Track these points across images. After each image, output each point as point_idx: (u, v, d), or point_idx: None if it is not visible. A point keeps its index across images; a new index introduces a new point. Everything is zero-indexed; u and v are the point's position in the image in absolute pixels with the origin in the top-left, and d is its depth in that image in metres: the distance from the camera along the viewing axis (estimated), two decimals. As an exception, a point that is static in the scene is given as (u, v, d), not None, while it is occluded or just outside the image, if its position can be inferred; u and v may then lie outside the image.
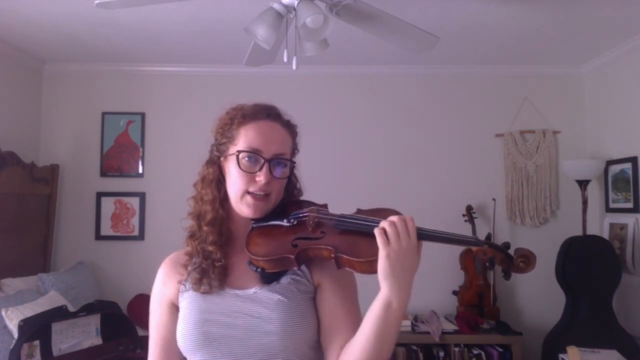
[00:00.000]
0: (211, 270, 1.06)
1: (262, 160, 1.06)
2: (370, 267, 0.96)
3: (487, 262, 0.95)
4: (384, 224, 0.94)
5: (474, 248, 0.95)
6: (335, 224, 1.05)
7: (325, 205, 1.13)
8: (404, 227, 0.93)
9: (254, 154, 1.06)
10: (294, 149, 1.16)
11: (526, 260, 0.94)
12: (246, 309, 1.03)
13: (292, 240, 1.04)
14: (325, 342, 1.07)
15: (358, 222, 1.03)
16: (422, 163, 3.95)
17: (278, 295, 1.04)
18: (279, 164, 1.09)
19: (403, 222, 0.93)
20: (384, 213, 1.05)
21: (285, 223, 1.08)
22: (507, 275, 0.96)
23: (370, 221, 1.01)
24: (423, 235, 0.97)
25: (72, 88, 3.98)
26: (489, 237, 1.02)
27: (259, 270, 1.04)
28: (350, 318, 1.06)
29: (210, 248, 1.08)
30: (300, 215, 1.09)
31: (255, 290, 1.05)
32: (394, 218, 0.94)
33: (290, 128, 1.14)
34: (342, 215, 1.05)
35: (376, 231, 0.93)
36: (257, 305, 1.03)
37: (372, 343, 0.94)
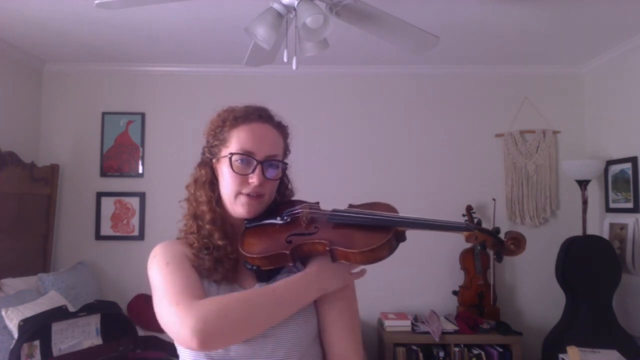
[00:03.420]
0: (225, 261, 1.06)
1: (255, 162, 1.07)
2: (365, 258, 0.98)
3: (479, 246, 0.97)
4: None
5: (465, 233, 0.96)
6: (328, 218, 1.06)
7: (317, 203, 1.14)
8: None
9: (246, 156, 1.07)
10: (286, 150, 1.16)
11: (516, 242, 0.95)
12: None
13: (286, 237, 1.05)
14: (322, 337, 1.08)
15: (351, 215, 1.04)
16: (422, 163, 3.95)
17: None
18: (271, 165, 1.09)
19: None
20: (376, 207, 1.07)
21: (278, 221, 1.10)
22: (499, 258, 0.98)
23: (362, 214, 1.04)
24: (410, 224, 0.99)
25: (72, 88, 3.98)
26: (479, 222, 1.03)
27: (254, 268, 1.04)
28: (346, 322, 1.07)
29: (219, 242, 1.07)
30: (294, 212, 1.10)
31: (259, 287, 1.05)
32: None
33: (281, 129, 1.15)
34: (335, 210, 1.07)
35: None
36: None
37: None
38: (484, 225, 3.65)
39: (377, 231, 1.00)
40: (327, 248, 1.00)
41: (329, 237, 1.01)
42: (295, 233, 1.06)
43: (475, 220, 3.68)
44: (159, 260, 1.06)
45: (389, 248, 0.98)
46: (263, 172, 1.07)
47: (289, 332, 1.01)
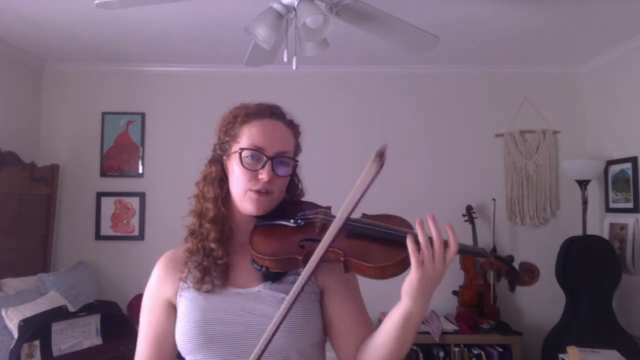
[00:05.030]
0: (213, 268, 1.05)
1: (265, 158, 1.06)
2: (381, 273, 0.96)
3: (495, 274, 0.98)
4: (422, 242, 0.92)
5: (481, 259, 0.97)
6: (345, 227, 1.03)
7: (329, 208, 1.12)
8: (441, 252, 0.91)
9: (256, 151, 1.06)
10: (297, 149, 1.16)
11: (530, 274, 0.97)
12: (250, 308, 1.03)
13: (299, 242, 1.03)
14: (338, 342, 1.08)
15: (368, 226, 1.02)
16: (422, 163, 3.95)
17: (282, 294, 1.03)
18: (282, 162, 1.09)
19: (441, 246, 0.92)
20: (390, 220, 1.05)
21: (291, 223, 1.07)
22: (512, 287, 0.98)
23: (379, 227, 1.01)
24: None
25: (72, 88, 3.98)
26: (494, 249, 1.04)
27: (263, 269, 1.03)
28: (361, 317, 1.09)
29: (212, 245, 1.07)
30: (308, 216, 1.08)
31: (259, 289, 1.05)
32: (435, 238, 0.92)
33: (293, 127, 1.14)
34: (350, 219, 1.04)
35: (412, 252, 0.92)
36: (261, 304, 1.03)
37: (392, 347, 0.98)
38: (484, 225, 3.64)
39: (393, 246, 0.98)
40: (342, 259, 0.98)
41: (344, 247, 0.99)
42: (309, 238, 1.03)
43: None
44: (147, 289, 1.13)
45: (404, 265, 0.96)
46: (273, 169, 1.06)
47: (290, 339, 1.01)
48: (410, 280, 0.93)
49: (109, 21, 3.06)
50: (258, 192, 1.06)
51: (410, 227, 1.04)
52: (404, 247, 0.95)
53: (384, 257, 0.96)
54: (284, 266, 1.02)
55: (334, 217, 1.07)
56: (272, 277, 1.05)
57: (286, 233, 1.06)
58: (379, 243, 0.99)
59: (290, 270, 1.05)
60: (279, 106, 1.15)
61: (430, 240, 0.92)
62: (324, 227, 1.04)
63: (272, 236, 1.06)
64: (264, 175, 1.05)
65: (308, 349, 1.04)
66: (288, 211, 1.11)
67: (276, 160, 1.07)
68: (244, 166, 1.06)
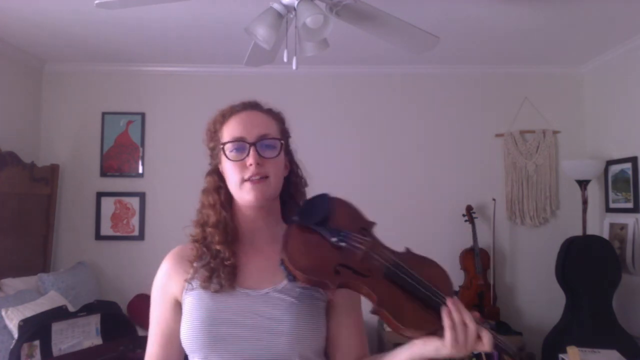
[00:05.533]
0: (221, 269, 1.05)
1: (248, 145, 1.06)
2: (403, 333, 0.94)
3: None
4: (457, 321, 0.93)
5: (507, 358, 0.98)
6: (385, 269, 0.99)
7: (373, 224, 1.08)
8: (473, 338, 0.94)
9: (237, 142, 1.07)
10: (284, 134, 1.15)
11: None
12: (257, 309, 1.02)
13: (335, 265, 0.97)
14: (335, 355, 1.09)
15: (412, 282, 0.98)
16: (422, 163, 3.95)
17: (291, 298, 1.03)
18: (267, 145, 1.08)
19: (475, 332, 0.94)
20: (432, 269, 1.03)
21: (332, 239, 1.01)
22: None
23: (424, 288, 0.97)
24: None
25: (72, 88, 3.98)
26: (522, 348, 1.05)
27: (290, 276, 0.97)
28: (358, 339, 1.11)
29: (218, 247, 1.07)
30: (354, 243, 1.01)
31: (268, 291, 1.04)
32: (470, 323, 0.93)
33: (272, 114, 1.14)
34: (397, 265, 1.00)
35: (448, 327, 0.93)
36: (268, 306, 1.02)
37: None
38: (484, 225, 3.64)
39: (428, 311, 0.95)
40: (375, 306, 0.93)
41: (380, 292, 0.94)
42: (346, 265, 0.97)
43: (476, 219, 3.69)
44: (155, 283, 1.13)
45: (433, 335, 0.94)
46: (258, 152, 1.06)
47: (296, 346, 1.00)
48: (436, 348, 0.95)
49: (109, 21, 3.06)
50: (252, 180, 1.05)
51: (450, 284, 1.02)
52: (439, 315, 0.93)
53: (416, 321, 0.94)
54: (312, 284, 0.97)
55: (383, 254, 1.02)
56: (292, 278, 1.01)
57: (324, 248, 1.01)
58: (416, 301, 0.96)
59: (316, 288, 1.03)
60: (255, 100, 1.15)
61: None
62: (365, 259, 0.99)
63: (309, 246, 1.00)
64: (250, 161, 1.05)
65: (311, 355, 1.03)
66: (332, 217, 1.05)
67: (260, 144, 1.07)
68: (230, 159, 1.07)
